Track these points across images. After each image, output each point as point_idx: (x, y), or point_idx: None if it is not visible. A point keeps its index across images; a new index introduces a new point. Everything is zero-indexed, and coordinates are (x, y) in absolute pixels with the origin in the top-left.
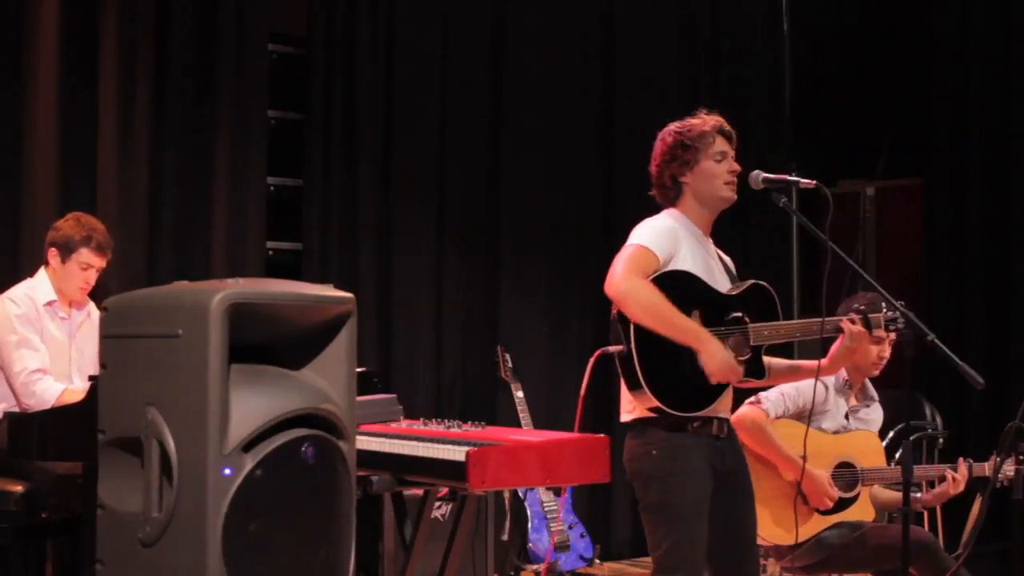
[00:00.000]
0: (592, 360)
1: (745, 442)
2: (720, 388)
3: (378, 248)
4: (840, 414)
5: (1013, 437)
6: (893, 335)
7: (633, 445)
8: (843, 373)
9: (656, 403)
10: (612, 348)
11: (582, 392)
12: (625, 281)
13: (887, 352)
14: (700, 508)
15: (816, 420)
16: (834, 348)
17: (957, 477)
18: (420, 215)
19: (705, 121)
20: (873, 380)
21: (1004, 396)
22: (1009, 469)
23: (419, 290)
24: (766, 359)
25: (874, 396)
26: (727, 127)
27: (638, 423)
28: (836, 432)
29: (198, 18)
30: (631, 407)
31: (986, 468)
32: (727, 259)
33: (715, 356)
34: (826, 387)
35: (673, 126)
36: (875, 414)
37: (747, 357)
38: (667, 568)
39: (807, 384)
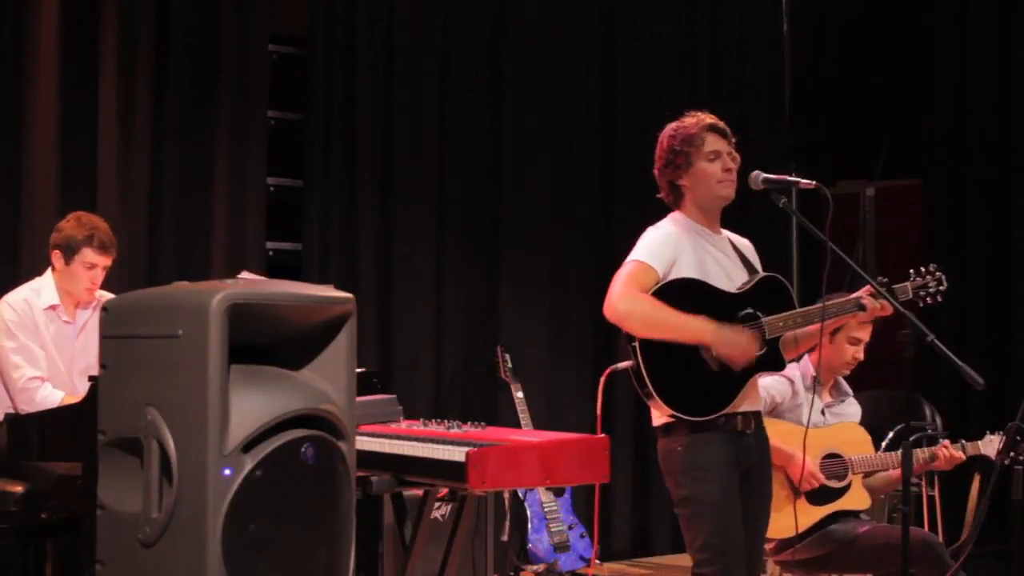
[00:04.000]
0: (603, 378)
1: None
2: (738, 385)
3: (378, 248)
4: (816, 410)
5: (1013, 437)
6: (866, 339)
7: (663, 444)
8: (810, 370)
9: (672, 412)
10: (622, 365)
11: (598, 411)
12: (621, 301)
13: (861, 355)
14: (728, 498)
15: (789, 416)
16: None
17: (947, 454)
18: (420, 215)
19: (697, 121)
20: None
21: (1004, 396)
22: (996, 441)
23: (419, 290)
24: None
25: (848, 391)
26: (719, 124)
27: (665, 425)
28: (816, 426)
29: (198, 18)
30: (658, 413)
31: (980, 447)
32: (745, 245)
33: (727, 344)
34: (791, 382)
35: (668, 129)
36: (851, 408)
37: (763, 352)
38: (703, 562)
39: (772, 381)
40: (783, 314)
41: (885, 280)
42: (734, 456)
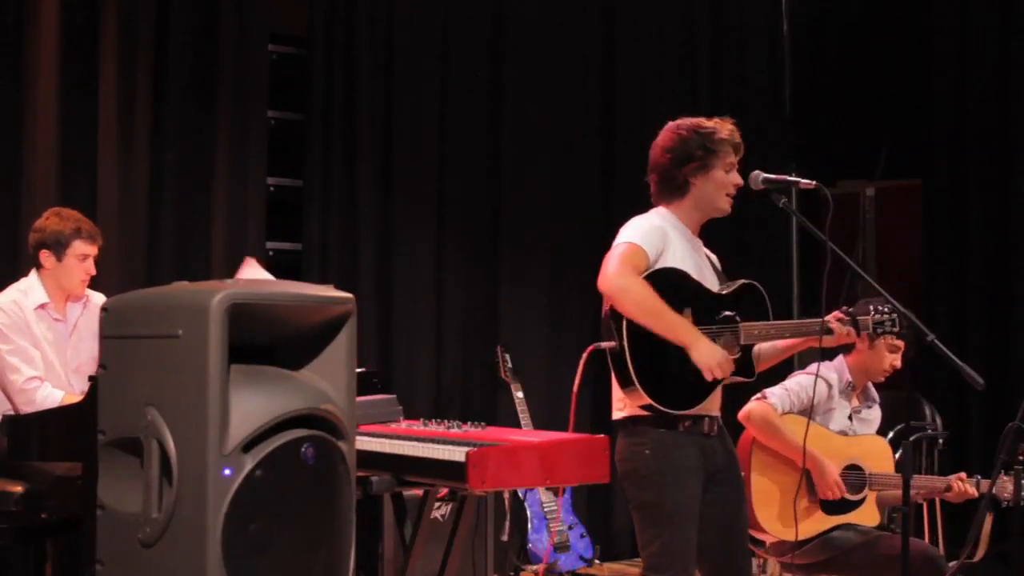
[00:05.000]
0: (584, 356)
1: (756, 437)
2: (711, 386)
3: (378, 248)
4: (844, 415)
5: (1013, 437)
6: (903, 346)
7: (625, 444)
8: (847, 375)
9: (648, 400)
10: (604, 344)
11: (575, 389)
12: (619, 277)
13: (898, 363)
14: (691, 508)
15: (822, 419)
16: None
17: (961, 488)
18: (420, 215)
19: (731, 131)
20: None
21: (1004, 396)
22: (1009, 483)
23: (419, 290)
24: (756, 347)
25: (875, 398)
26: (739, 139)
27: (629, 421)
28: (841, 432)
29: (198, 18)
30: (622, 404)
31: (994, 487)
32: (714, 257)
33: (707, 353)
34: (829, 386)
35: (689, 122)
36: (875, 414)
37: (737, 356)
38: (657, 568)
39: (810, 381)
40: (759, 323)
41: (851, 310)
42: (700, 462)
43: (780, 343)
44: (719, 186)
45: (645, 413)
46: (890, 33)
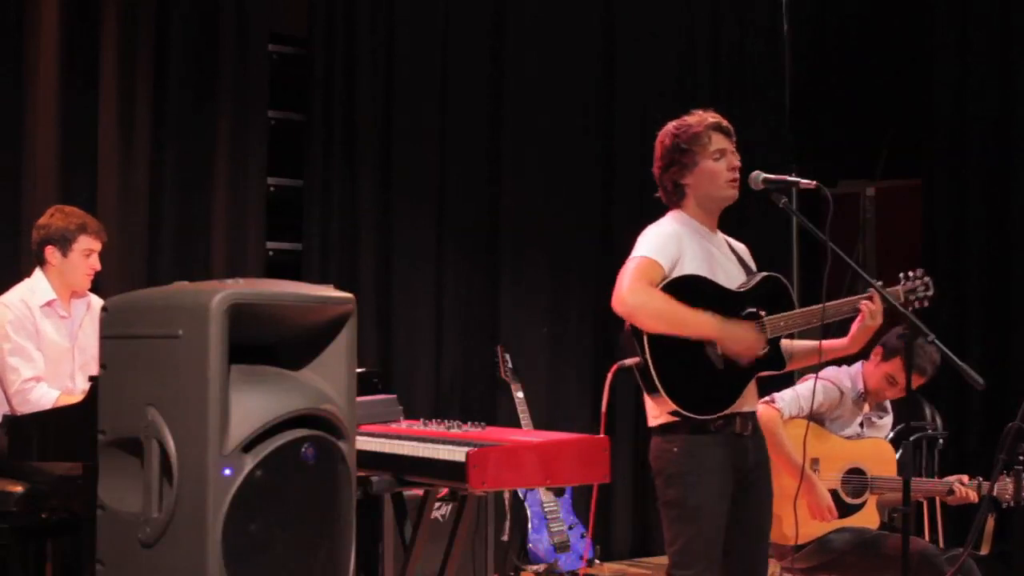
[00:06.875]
0: (610, 375)
1: None
2: (741, 384)
3: (378, 248)
4: (855, 422)
5: (1013, 438)
6: (902, 383)
7: (657, 443)
8: (860, 384)
9: (677, 408)
10: (628, 361)
11: (603, 408)
12: (631, 295)
13: (890, 395)
14: (717, 507)
15: (832, 426)
16: (855, 326)
17: (963, 492)
18: (420, 215)
19: (701, 120)
20: None
21: (1004, 396)
22: (1010, 485)
23: (419, 290)
24: (787, 343)
25: (887, 408)
26: (724, 123)
27: (663, 425)
28: (848, 438)
29: (198, 18)
30: (656, 412)
31: (995, 489)
32: (740, 248)
33: (736, 338)
34: (842, 393)
35: (670, 127)
36: (887, 421)
37: (765, 351)
38: (681, 565)
39: (822, 386)
40: (784, 314)
41: (879, 283)
42: (731, 461)
43: (825, 344)
44: (712, 176)
45: (677, 418)
46: (890, 33)
